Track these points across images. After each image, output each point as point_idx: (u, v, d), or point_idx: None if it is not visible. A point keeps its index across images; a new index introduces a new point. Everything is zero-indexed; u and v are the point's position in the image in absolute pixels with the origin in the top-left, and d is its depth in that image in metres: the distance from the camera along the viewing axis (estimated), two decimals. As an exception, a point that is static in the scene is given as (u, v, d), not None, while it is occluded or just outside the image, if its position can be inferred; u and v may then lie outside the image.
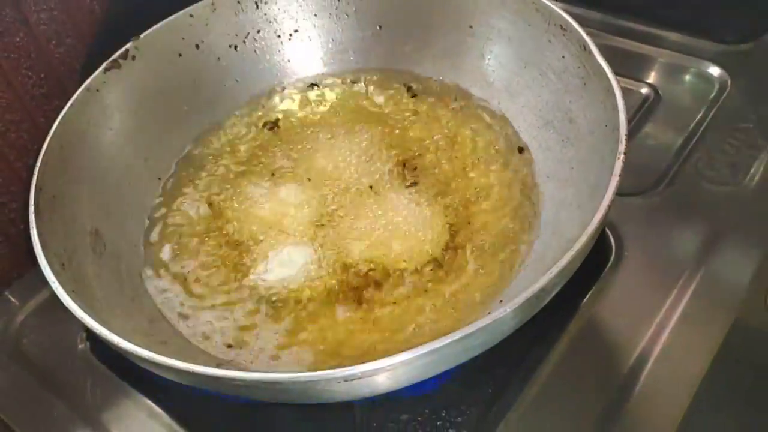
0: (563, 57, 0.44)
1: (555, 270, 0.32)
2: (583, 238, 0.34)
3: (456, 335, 0.30)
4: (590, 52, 0.41)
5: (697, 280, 0.46)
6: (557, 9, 0.44)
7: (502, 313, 0.31)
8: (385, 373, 0.31)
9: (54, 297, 0.36)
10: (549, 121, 0.45)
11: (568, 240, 0.35)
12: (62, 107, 0.51)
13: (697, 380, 0.42)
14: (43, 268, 0.36)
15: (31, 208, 0.39)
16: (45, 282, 0.36)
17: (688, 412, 0.41)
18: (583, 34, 0.42)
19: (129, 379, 0.44)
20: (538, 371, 0.42)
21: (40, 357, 0.48)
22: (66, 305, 0.35)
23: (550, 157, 0.44)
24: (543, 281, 0.32)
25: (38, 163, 0.41)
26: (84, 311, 0.34)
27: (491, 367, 0.43)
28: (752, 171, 0.52)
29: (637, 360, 0.43)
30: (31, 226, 0.38)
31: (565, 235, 0.39)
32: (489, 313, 0.31)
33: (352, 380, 0.30)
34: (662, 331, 0.44)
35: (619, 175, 0.36)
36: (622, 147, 0.37)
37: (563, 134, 0.44)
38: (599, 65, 0.40)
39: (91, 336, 0.45)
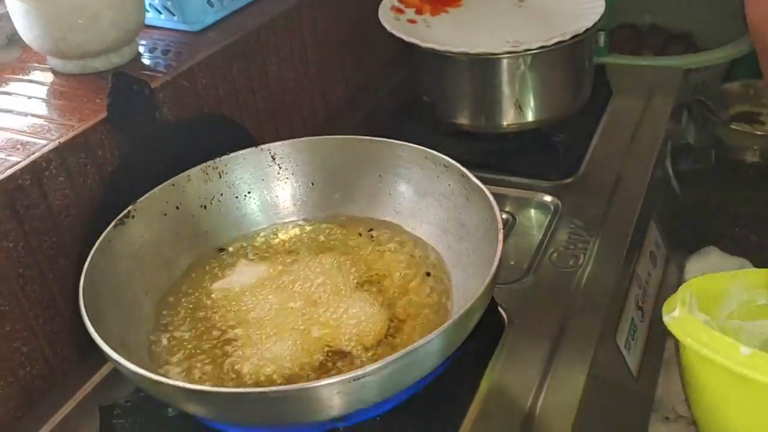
0: (449, 185, 0.65)
1: (468, 305, 0.50)
2: (482, 289, 0.51)
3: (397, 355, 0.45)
4: (468, 177, 0.62)
5: (566, 335, 0.65)
6: (440, 155, 0.66)
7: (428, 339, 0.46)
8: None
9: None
10: (447, 229, 0.65)
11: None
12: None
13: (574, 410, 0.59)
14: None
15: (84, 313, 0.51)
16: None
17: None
18: (461, 167, 0.63)
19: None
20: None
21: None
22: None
23: (453, 251, 0.63)
24: (457, 316, 0.48)
25: (81, 293, 0.54)
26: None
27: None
28: (585, 257, 0.74)
29: (532, 396, 0.60)
30: (90, 330, 0.50)
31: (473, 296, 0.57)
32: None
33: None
34: (546, 373, 0.62)
35: (501, 251, 0.55)
36: (500, 234, 0.56)
37: (459, 235, 0.63)
38: (476, 184, 0.61)
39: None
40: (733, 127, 1.09)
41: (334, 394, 0.45)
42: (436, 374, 0.54)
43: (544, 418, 0.58)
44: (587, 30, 0.83)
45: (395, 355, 0.45)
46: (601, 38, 0.92)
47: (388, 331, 0.58)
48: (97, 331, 0.50)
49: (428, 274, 0.63)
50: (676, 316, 0.60)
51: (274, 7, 0.89)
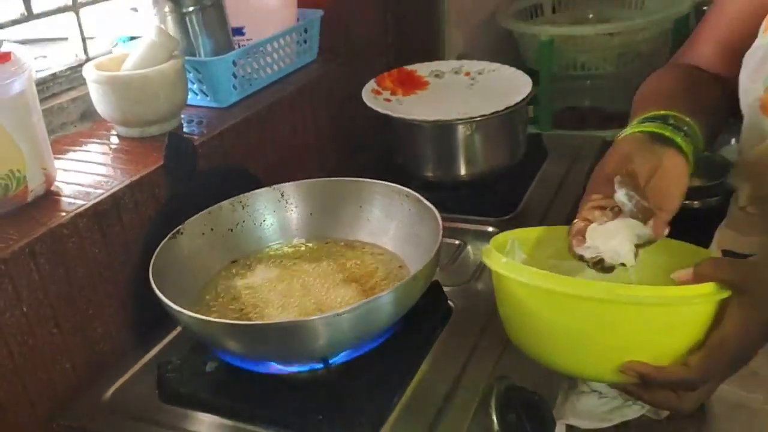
0: (409, 209, 0.90)
1: (414, 273, 0.74)
2: (425, 261, 0.76)
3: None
4: (422, 202, 0.87)
5: (493, 323, 0.89)
6: (403, 188, 0.91)
7: (386, 292, 0.71)
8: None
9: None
10: (408, 240, 0.90)
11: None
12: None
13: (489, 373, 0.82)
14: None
15: (155, 287, 0.75)
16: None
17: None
18: (418, 195, 0.89)
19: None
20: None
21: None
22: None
23: (412, 255, 0.88)
24: (405, 280, 0.73)
25: (151, 278, 0.78)
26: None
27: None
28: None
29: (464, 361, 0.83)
30: (160, 296, 0.74)
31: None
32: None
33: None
34: (476, 347, 0.85)
35: (440, 242, 0.80)
36: (440, 233, 0.81)
37: (416, 243, 0.88)
38: (427, 206, 0.86)
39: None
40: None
41: (321, 327, 0.69)
42: (395, 329, 0.78)
43: (468, 377, 0.81)
44: (517, 103, 1.11)
45: (362, 301, 0.69)
46: (530, 110, 1.19)
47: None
48: (164, 296, 0.74)
49: (393, 271, 0.88)
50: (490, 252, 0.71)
51: (283, 89, 1.18)
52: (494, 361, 0.83)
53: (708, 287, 0.62)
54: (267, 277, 0.89)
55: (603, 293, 0.63)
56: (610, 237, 0.67)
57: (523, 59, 1.81)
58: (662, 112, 0.75)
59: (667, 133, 0.72)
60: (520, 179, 1.20)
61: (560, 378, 1.03)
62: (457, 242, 1.06)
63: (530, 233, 0.80)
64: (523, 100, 1.13)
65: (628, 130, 0.75)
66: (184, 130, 1.05)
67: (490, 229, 1.08)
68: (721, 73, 0.84)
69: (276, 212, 0.96)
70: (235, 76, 1.11)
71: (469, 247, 1.06)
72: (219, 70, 1.08)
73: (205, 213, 0.91)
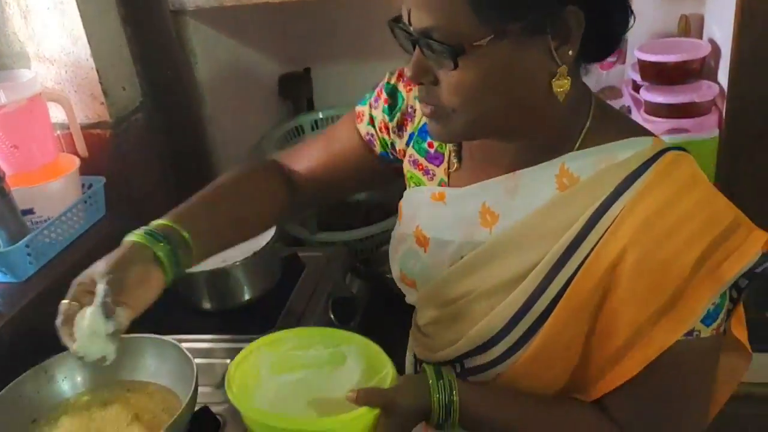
0: (177, 355, 1.20)
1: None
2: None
3: None
4: (181, 349, 1.17)
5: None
6: (166, 338, 1.21)
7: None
8: None
9: None
10: (182, 378, 1.20)
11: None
12: None
13: None
14: None
15: None
16: None
17: None
18: (178, 344, 1.18)
19: None
20: None
21: None
22: None
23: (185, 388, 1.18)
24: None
25: None
26: None
27: None
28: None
29: None
30: None
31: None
32: None
33: None
34: None
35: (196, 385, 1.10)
36: (194, 378, 1.11)
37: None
38: (186, 355, 1.16)
39: None
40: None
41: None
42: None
43: None
44: (263, 247, 1.45)
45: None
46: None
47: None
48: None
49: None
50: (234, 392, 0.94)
51: (78, 250, 1.43)
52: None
53: (362, 410, 0.87)
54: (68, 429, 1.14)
55: (293, 424, 0.90)
56: (84, 323, 0.85)
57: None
58: (163, 222, 0.93)
59: (155, 249, 0.89)
60: (283, 291, 1.53)
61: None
62: (228, 361, 1.36)
63: (274, 336, 1.03)
64: (268, 244, 1.47)
65: (130, 236, 0.91)
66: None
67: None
68: (303, 189, 1.10)
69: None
70: (29, 254, 1.35)
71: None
72: (15, 256, 1.33)
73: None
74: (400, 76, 1.06)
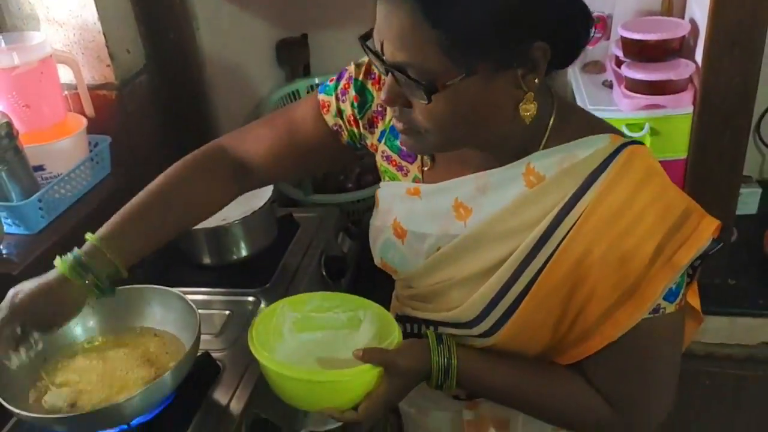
0: (181, 305, 1.30)
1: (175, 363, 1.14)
2: (180, 357, 1.17)
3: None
4: (185, 300, 1.27)
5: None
6: (171, 289, 1.31)
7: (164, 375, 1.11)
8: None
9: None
10: (186, 326, 1.30)
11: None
12: None
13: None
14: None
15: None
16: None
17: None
18: (183, 295, 1.28)
19: None
20: None
21: None
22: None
23: (189, 335, 1.28)
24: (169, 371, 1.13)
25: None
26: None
27: None
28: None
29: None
30: None
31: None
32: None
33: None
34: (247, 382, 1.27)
35: (199, 333, 1.20)
36: (198, 326, 1.22)
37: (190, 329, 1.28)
38: (189, 304, 1.26)
39: None
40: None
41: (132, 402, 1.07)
42: (176, 393, 1.17)
43: (229, 412, 1.22)
44: (260, 207, 1.54)
45: (149, 385, 1.08)
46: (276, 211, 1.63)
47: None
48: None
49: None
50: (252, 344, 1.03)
51: (86, 206, 1.52)
52: (246, 401, 1.25)
53: (365, 367, 0.96)
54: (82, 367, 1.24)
55: (302, 375, 1.00)
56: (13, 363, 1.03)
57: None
58: (93, 244, 1.01)
59: (79, 282, 0.99)
60: (276, 253, 1.63)
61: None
62: (227, 312, 1.47)
63: (297, 298, 1.13)
64: (266, 203, 1.56)
65: (60, 266, 1.00)
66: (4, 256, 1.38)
67: (251, 299, 1.50)
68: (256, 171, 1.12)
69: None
70: (41, 209, 1.44)
71: (234, 315, 1.47)
72: (28, 209, 1.41)
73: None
74: (368, 72, 1.06)
